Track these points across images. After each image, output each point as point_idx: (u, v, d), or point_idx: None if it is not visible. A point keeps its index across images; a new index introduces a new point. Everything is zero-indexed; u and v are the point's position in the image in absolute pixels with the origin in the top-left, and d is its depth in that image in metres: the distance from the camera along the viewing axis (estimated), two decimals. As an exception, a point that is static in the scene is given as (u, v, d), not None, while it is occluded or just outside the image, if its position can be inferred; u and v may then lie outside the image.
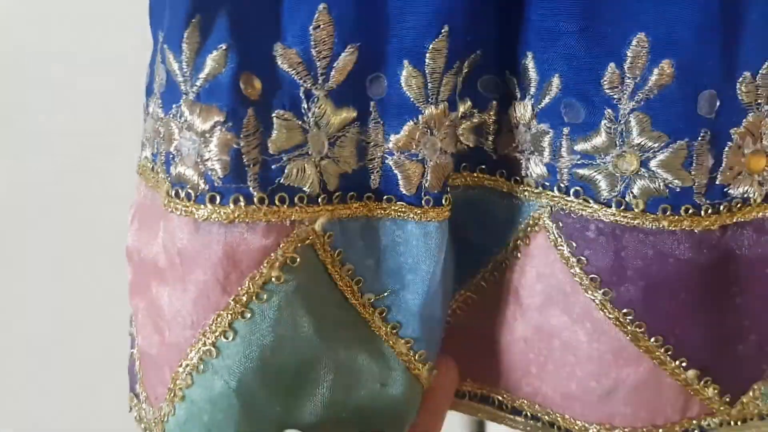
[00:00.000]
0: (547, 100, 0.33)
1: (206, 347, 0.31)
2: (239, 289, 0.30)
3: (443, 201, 0.33)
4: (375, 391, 0.34)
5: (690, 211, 0.32)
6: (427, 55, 0.31)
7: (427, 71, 0.31)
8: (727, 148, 0.32)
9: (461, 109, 0.35)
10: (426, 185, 0.33)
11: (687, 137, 0.32)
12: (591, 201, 0.33)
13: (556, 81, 0.32)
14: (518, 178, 0.36)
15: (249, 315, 0.31)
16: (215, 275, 0.30)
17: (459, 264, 0.37)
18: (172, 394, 0.32)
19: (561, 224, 0.34)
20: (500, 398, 0.39)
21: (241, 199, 0.30)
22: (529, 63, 0.33)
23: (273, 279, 0.31)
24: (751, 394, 0.36)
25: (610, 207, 0.33)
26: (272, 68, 0.30)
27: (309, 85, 0.31)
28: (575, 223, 0.34)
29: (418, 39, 0.31)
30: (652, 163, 0.32)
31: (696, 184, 0.32)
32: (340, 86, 0.31)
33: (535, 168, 0.34)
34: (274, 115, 0.30)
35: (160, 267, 0.31)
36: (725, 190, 0.33)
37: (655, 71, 0.31)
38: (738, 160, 0.33)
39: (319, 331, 0.32)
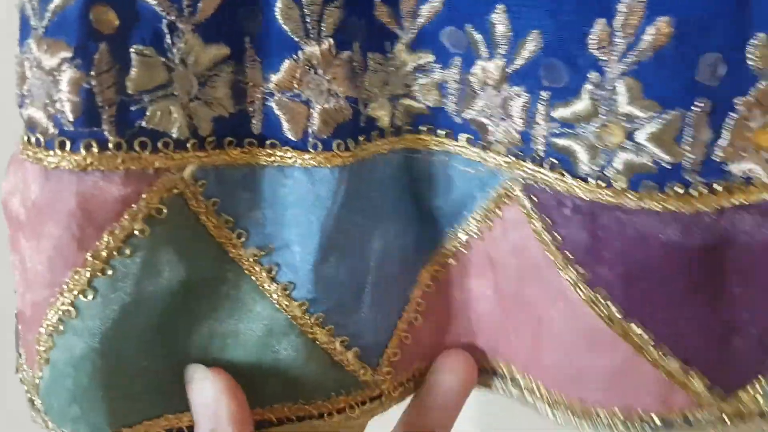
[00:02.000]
0: (522, 60, 0.29)
1: (65, 307, 0.28)
2: (97, 244, 0.28)
3: (333, 146, 0.30)
4: (261, 355, 0.31)
5: (680, 190, 0.29)
6: None
7: (304, 2, 0.28)
8: (729, 121, 0.28)
9: (419, 61, 0.31)
10: (314, 129, 0.30)
11: (681, 107, 0.28)
12: (567, 175, 0.30)
13: (534, 38, 0.29)
14: (485, 144, 0.32)
15: (110, 272, 0.28)
16: (69, 229, 0.27)
17: (424, 236, 0.35)
18: (39, 357, 0.30)
19: (535, 199, 0.31)
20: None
21: (95, 144, 0.27)
22: (499, 17, 0.29)
23: (136, 232, 0.28)
24: (749, 390, 0.32)
25: (587, 182, 0.30)
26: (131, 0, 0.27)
27: (173, 17, 0.27)
28: (551, 200, 0.31)
29: None
30: (640, 136, 0.28)
31: (689, 160, 0.28)
32: (209, 20, 0.28)
33: (506, 135, 0.31)
34: (132, 50, 0.27)
35: (21, 220, 0.29)
36: (724, 168, 0.29)
37: (650, 30, 0.27)
38: (742, 135, 0.28)
39: (193, 287, 0.30)
